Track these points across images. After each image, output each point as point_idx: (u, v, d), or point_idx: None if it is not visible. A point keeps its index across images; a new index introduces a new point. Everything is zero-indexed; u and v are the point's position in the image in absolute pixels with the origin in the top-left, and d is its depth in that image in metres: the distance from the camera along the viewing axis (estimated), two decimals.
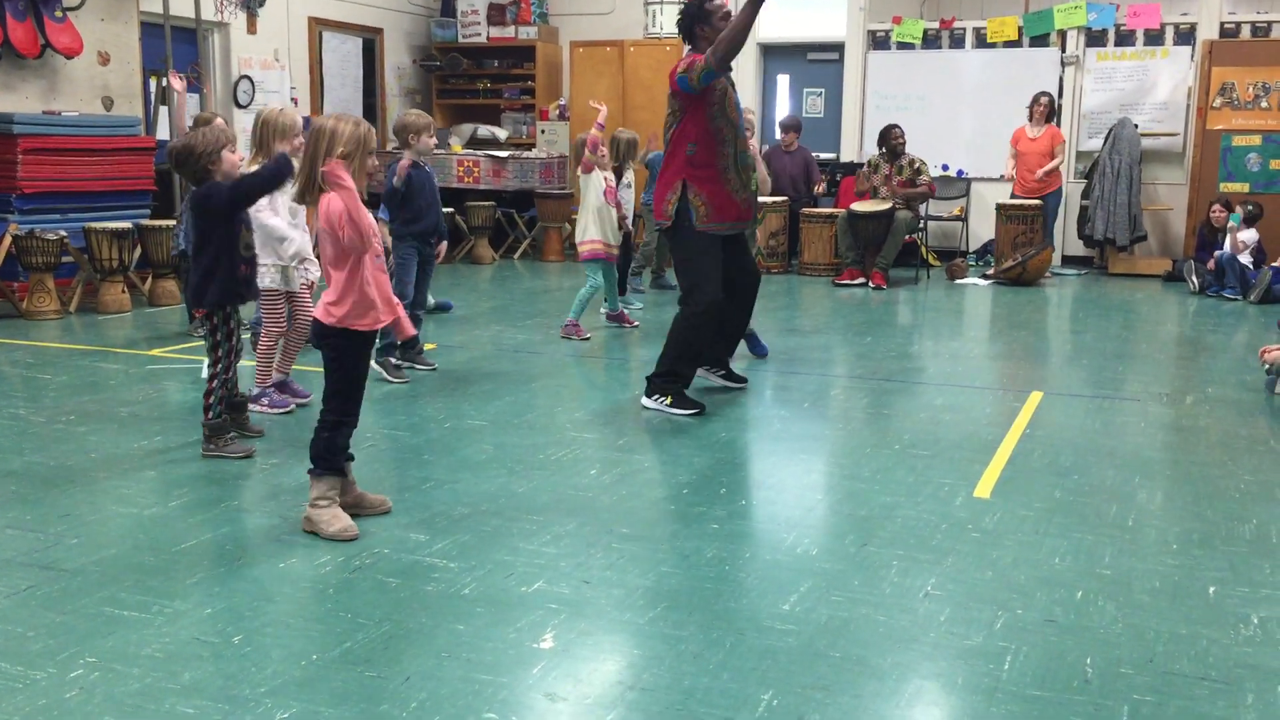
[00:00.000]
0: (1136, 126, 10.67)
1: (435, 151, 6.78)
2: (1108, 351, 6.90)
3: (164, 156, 8.74)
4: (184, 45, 9.69)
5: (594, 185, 7.00)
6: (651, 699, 2.50)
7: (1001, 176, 10.60)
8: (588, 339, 7.01)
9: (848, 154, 11.89)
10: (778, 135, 10.91)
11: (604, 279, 7.15)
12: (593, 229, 6.97)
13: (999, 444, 4.66)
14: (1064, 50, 11.12)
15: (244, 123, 10.32)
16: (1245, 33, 10.63)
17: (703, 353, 5.37)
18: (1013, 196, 10.48)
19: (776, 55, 12.36)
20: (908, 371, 6.25)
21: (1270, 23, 10.58)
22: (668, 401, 5.16)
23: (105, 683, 2.54)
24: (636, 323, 7.53)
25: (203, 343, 5.15)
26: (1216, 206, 9.70)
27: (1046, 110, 10.43)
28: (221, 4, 10.07)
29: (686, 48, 5.22)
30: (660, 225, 5.25)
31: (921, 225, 10.51)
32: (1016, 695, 2.54)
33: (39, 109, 8.14)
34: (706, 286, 5.11)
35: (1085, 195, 10.83)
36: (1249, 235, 9.31)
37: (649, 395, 5.23)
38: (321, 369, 3.62)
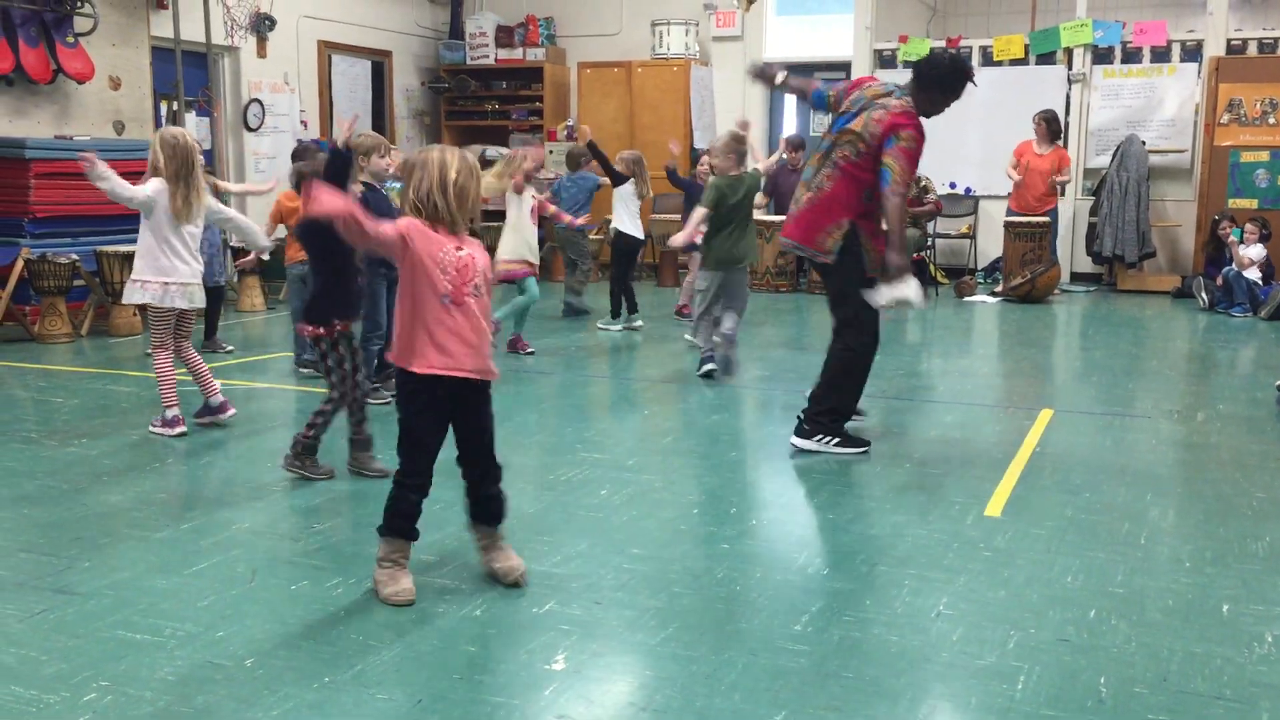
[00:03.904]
0: (1144, 143, 10.67)
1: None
2: (1118, 369, 6.89)
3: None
4: (194, 69, 9.76)
5: (524, 204, 6.96)
6: None
7: (1015, 183, 10.47)
8: (532, 353, 7.05)
9: None
10: (784, 154, 10.93)
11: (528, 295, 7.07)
12: (522, 248, 6.94)
13: (1010, 462, 4.65)
14: (1071, 68, 11.14)
15: (253, 145, 10.41)
16: (1252, 49, 10.63)
17: (863, 385, 4.97)
18: (1009, 213, 10.49)
19: None
20: (917, 390, 6.24)
21: (1277, 39, 10.59)
22: (834, 441, 4.79)
23: (118, 706, 2.54)
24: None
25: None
26: (1225, 224, 9.69)
27: (1049, 129, 10.42)
28: (232, 28, 10.14)
29: (902, 100, 4.94)
30: (817, 259, 4.85)
31: (929, 243, 10.51)
32: (1030, 715, 2.52)
33: (51, 134, 8.20)
34: (866, 315, 4.78)
35: (1094, 212, 10.82)
36: (1256, 251, 9.29)
37: (807, 436, 4.81)
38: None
